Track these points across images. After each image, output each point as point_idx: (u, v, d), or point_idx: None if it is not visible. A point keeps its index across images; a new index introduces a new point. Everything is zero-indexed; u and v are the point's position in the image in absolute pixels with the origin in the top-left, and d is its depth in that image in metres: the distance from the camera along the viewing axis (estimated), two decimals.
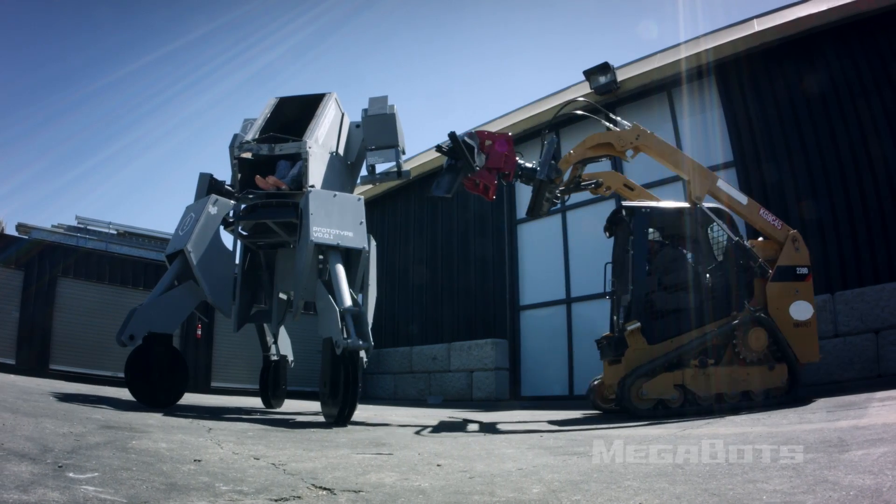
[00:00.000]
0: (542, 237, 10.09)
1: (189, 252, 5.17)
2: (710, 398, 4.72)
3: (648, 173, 7.58)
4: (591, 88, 9.07)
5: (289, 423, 4.50)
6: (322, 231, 4.81)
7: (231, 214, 5.68)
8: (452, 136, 4.97)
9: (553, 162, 5.24)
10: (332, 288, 4.63)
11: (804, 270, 5.15)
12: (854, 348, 6.31)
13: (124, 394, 5.18)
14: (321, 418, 4.80)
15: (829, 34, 7.32)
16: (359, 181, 6.56)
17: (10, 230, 13.46)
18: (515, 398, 9.53)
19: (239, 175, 5.69)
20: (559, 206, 5.65)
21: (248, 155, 5.68)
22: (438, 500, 1.71)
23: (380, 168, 6.41)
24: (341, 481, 1.95)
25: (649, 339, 4.98)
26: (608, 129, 5.80)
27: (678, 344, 4.87)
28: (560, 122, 5.90)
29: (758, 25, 7.86)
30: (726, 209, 5.43)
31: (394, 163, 6.21)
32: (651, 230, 5.51)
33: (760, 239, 5.46)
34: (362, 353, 4.81)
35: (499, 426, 4.59)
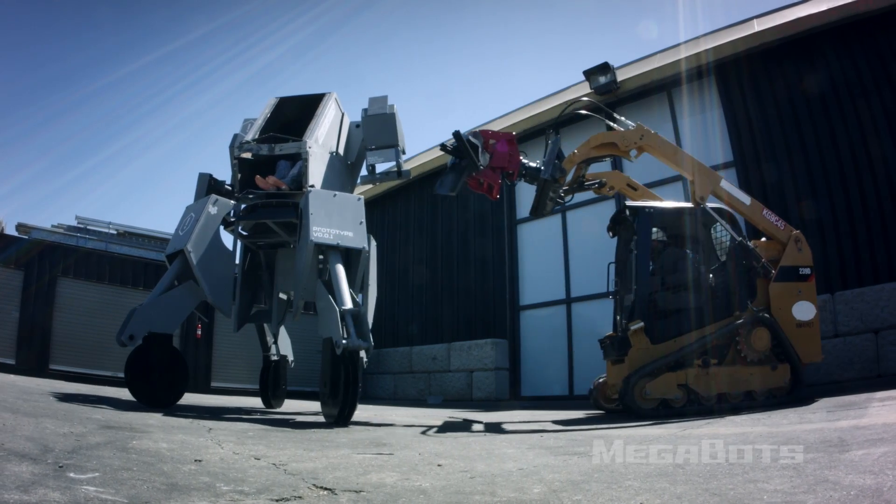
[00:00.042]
0: (542, 237, 10.10)
1: (189, 252, 5.17)
2: (713, 398, 4.73)
3: (648, 173, 7.58)
4: (591, 88, 9.07)
5: (289, 423, 4.50)
6: (322, 231, 4.81)
7: (231, 214, 5.68)
8: (457, 134, 4.99)
9: (557, 161, 5.25)
10: (332, 288, 4.63)
11: (807, 271, 5.16)
12: (854, 348, 6.32)
13: (124, 394, 5.18)
14: (321, 418, 4.80)
15: (829, 34, 7.33)
16: (359, 181, 6.56)
17: (10, 230, 13.47)
18: (515, 398, 9.53)
19: (239, 175, 5.68)
20: (562, 205, 5.66)
21: (248, 155, 5.68)
22: (440, 500, 1.71)
23: (380, 168, 6.41)
24: (342, 481, 1.95)
25: (653, 338, 4.98)
26: (610, 128, 5.80)
27: (681, 344, 4.88)
28: (562, 121, 5.90)
29: (758, 25, 7.86)
30: (730, 209, 5.44)
31: (394, 162, 6.20)
32: (655, 230, 5.52)
33: (763, 239, 5.47)
34: (362, 353, 4.81)
35: (499, 426, 4.59)
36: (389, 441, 3.30)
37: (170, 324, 5.20)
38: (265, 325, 6.70)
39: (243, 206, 5.72)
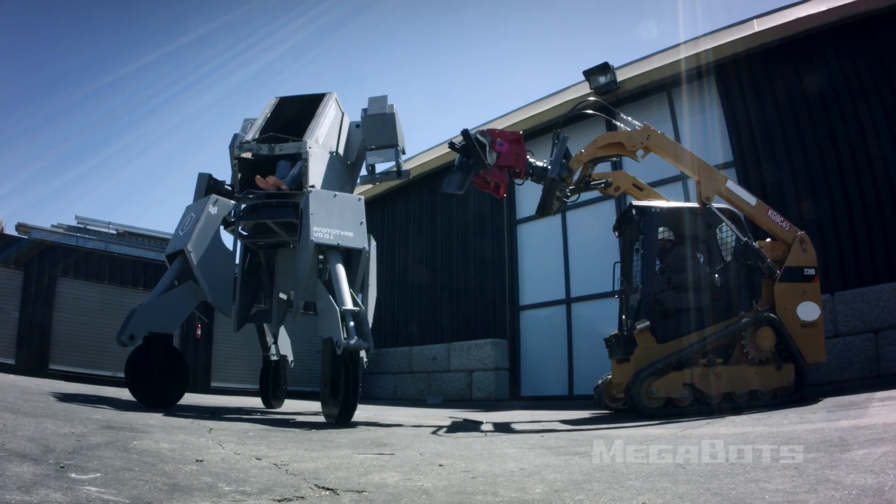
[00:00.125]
0: (542, 237, 10.10)
1: (189, 252, 5.17)
2: (718, 397, 4.75)
3: (648, 173, 7.58)
4: (591, 88, 9.07)
5: (289, 424, 4.50)
6: (322, 231, 4.81)
7: (231, 214, 5.68)
8: (465, 133, 5.01)
9: (564, 161, 5.27)
10: (332, 288, 4.63)
11: (811, 271, 5.19)
12: (854, 348, 6.32)
13: (124, 394, 5.18)
14: (321, 418, 4.80)
15: (829, 34, 7.33)
16: (359, 181, 6.56)
17: (10, 230, 13.46)
18: (515, 398, 9.53)
19: (239, 175, 5.68)
20: (568, 204, 5.68)
21: (248, 155, 5.68)
22: (441, 500, 1.71)
23: (380, 168, 6.41)
24: (344, 481, 1.95)
25: (658, 338, 5.00)
26: (612, 128, 5.82)
27: (687, 343, 4.89)
28: (566, 121, 5.91)
29: (757, 26, 7.87)
30: (735, 210, 5.45)
31: (393, 162, 6.20)
32: (662, 229, 5.54)
33: (768, 240, 5.48)
34: (362, 353, 4.81)
35: (500, 426, 4.59)
36: (390, 441, 3.30)
37: (170, 324, 5.20)
38: (265, 325, 6.69)
39: (243, 206, 5.72)
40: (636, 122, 5.72)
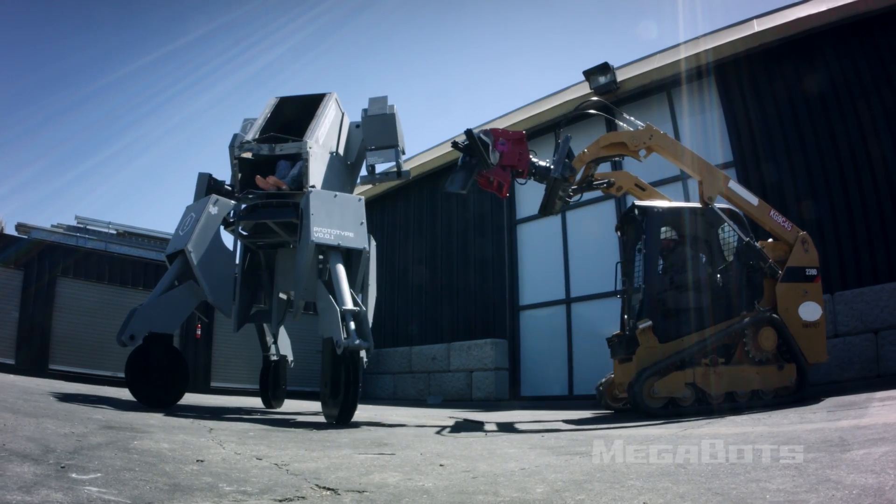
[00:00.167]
0: (542, 237, 10.10)
1: (189, 252, 5.17)
2: (720, 397, 4.76)
3: (649, 173, 7.59)
4: (590, 89, 9.08)
5: (290, 424, 4.50)
6: (323, 231, 4.81)
7: (231, 214, 5.68)
8: (469, 133, 5.03)
9: (567, 161, 5.28)
10: (332, 288, 4.63)
11: (813, 272, 5.20)
12: (854, 348, 6.33)
13: (124, 394, 5.18)
14: (322, 418, 4.80)
15: (829, 35, 7.33)
16: (359, 181, 6.56)
17: (10, 230, 13.45)
18: (515, 398, 9.54)
19: (239, 175, 5.68)
20: (570, 204, 5.70)
21: (248, 155, 5.68)
22: (442, 500, 1.71)
23: (379, 168, 6.41)
24: (345, 481, 1.95)
25: (661, 337, 5.01)
26: (612, 128, 5.83)
27: (689, 343, 4.90)
28: (567, 120, 5.93)
29: (757, 26, 7.87)
30: (737, 210, 5.45)
31: (393, 163, 6.21)
32: (666, 228, 5.55)
33: (770, 240, 5.49)
34: (362, 353, 4.81)
35: (501, 426, 4.59)
36: (391, 441, 3.30)
37: (170, 324, 5.20)
38: (265, 325, 6.69)
39: (243, 206, 5.72)
40: (639, 122, 5.73)
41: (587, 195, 6.95)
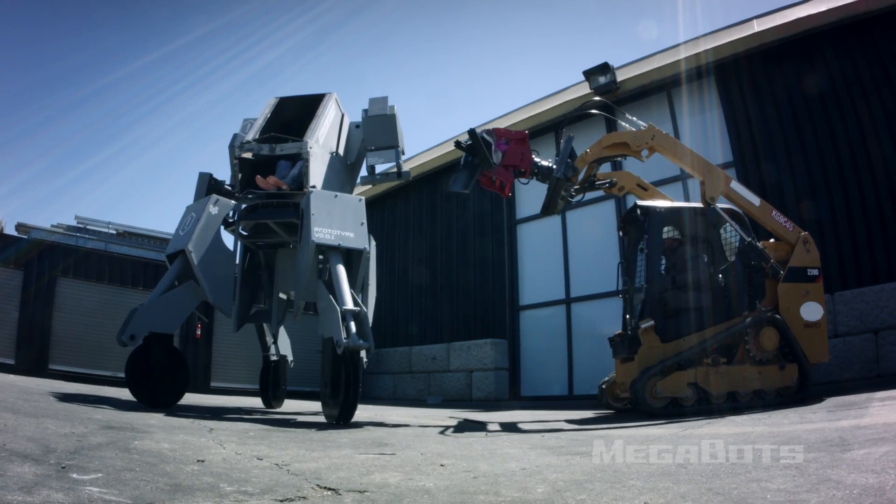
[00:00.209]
0: (542, 237, 10.10)
1: (190, 252, 5.17)
2: (722, 397, 4.76)
3: (649, 173, 7.59)
4: (590, 89, 9.07)
5: (290, 424, 4.50)
6: (323, 231, 4.81)
7: (231, 214, 5.68)
8: (472, 132, 5.04)
9: (570, 161, 5.29)
10: (332, 288, 4.63)
11: (815, 272, 5.21)
12: (853, 348, 6.33)
13: (124, 394, 5.18)
14: (322, 418, 4.80)
15: (829, 35, 7.34)
16: (358, 181, 6.56)
17: (10, 230, 13.44)
18: (515, 398, 9.54)
19: (239, 175, 5.68)
20: (572, 204, 5.72)
21: (248, 155, 5.68)
22: (444, 500, 1.71)
23: (379, 168, 6.42)
24: (346, 481, 1.95)
25: (662, 337, 5.02)
26: (612, 128, 5.84)
27: (691, 343, 4.91)
28: (568, 120, 5.94)
29: (757, 26, 7.87)
30: (739, 210, 5.47)
31: (393, 163, 6.21)
32: (668, 228, 5.56)
33: (772, 240, 5.50)
34: (362, 353, 4.81)
35: (502, 426, 4.59)
36: (391, 441, 3.30)
37: (170, 324, 5.20)
38: (265, 325, 6.69)
39: (244, 206, 5.72)
40: (641, 123, 5.74)
41: (588, 195, 6.96)
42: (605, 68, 8.94)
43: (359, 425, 4.35)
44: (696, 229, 5.43)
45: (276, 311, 6.14)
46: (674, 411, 4.67)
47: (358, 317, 4.40)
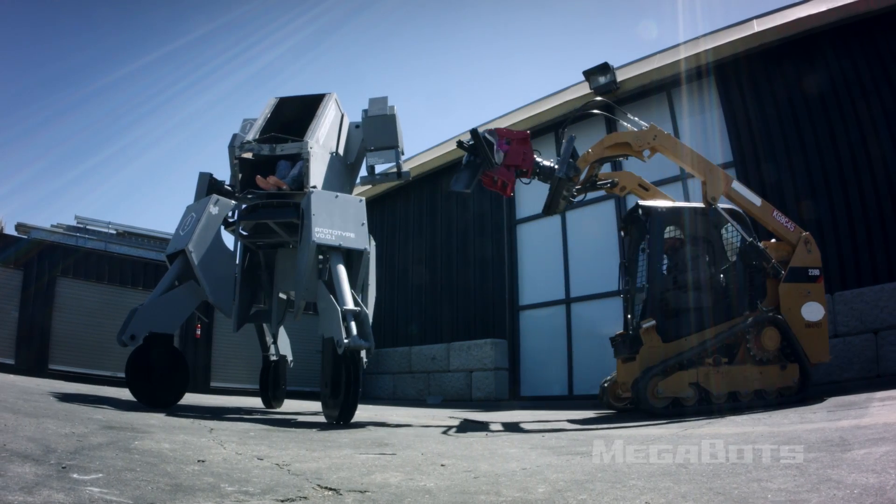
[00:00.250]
0: (542, 237, 10.10)
1: (190, 252, 5.17)
2: (723, 397, 4.77)
3: (649, 173, 7.59)
4: (590, 89, 9.07)
5: (290, 424, 4.50)
6: (324, 232, 4.82)
7: (232, 214, 5.68)
8: (474, 132, 5.05)
9: (572, 161, 5.30)
10: (333, 288, 4.63)
11: (816, 272, 5.22)
12: (853, 348, 6.33)
13: (124, 394, 5.18)
14: (322, 418, 4.80)
15: (829, 35, 7.34)
16: (358, 181, 6.56)
17: (10, 230, 13.44)
18: (515, 398, 9.54)
19: (240, 175, 5.68)
20: (574, 203, 5.73)
21: (248, 155, 5.68)
22: (445, 500, 1.71)
23: (379, 168, 6.42)
24: (346, 481, 1.95)
25: (664, 337, 5.02)
26: (612, 129, 5.84)
27: (692, 343, 4.92)
28: (568, 120, 5.95)
29: (757, 26, 7.87)
30: (741, 210, 5.47)
31: (393, 163, 6.21)
32: (670, 228, 5.57)
33: (773, 240, 5.50)
34: (362, 354, 4.81)
35: (502, 426, 4.59)
36: (391, 441, 3.30)
37: (171, 324, 5.20)
38: (264, 325, 6.69)
39: (244, 206, 5.72)
40: (643, 123, 5.75)
41: (588, 195, 6.97)
42: (605, 68, 8.94)
43: (359, 425, 4.35)
44: (697, 229, 5.43)
45: (276, 311, 6.14)
46: (675, 411, 4.67)
47: (358, 317, 4.40)
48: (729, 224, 5.39)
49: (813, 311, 5.08)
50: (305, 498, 1.69)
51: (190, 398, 6.27)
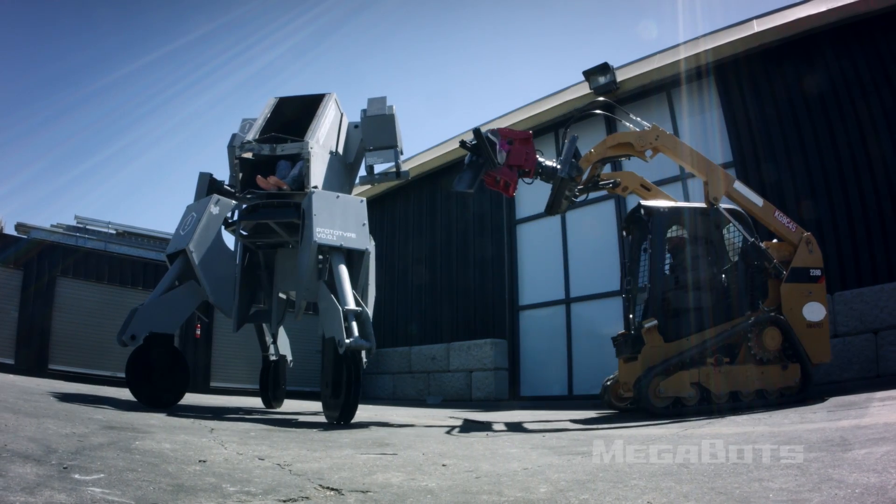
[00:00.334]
0: (542, 237, 10.10)
1: (191, 252, 5.17)
2: (725, 396, 4.77)
3: (649, 173, 7.59)
4: (590, 89, 9.07)
5: (291, 424, 4.50)
6: (325, 232, 4.82)
7: (232, 214, 5.68)
8: (477, 132, 5.06)
9: (574, 161, 5.30)
10: (334, 288, 4.63)
11: (817, 272, 5.23)
12: (853, 348, 6.33)
13: (124, 394, 5.17)
14: (322, 418, 4.80)
15: (829, 35, 7.34)
16: (357, 181, 6.56)
17: (10, 230, 13.42)
18: (515, 398, 9.54)
19: (240, 175, 5.68)
20: (576, 204, 5.74)
21: (248, 155, 5.68)
22: (447, 500, 1.71)
23: (378, 168, 6.42)
24: (348, 482, 1.95)
25: (666, 337, 5.03)
26: (612, 130, 5.85)
27: (695, 342, 4.92)
28: (568, 121, 5.96)
29: (757, 26, 7.87)
30: (742, 210, 5.48)
31: (392, 163, 6.21)
32: (672, 228, 5.58)
33: (774, 241, 5.51)
34: (363, 354, 4.81)
35: (503, 426, 4.59)
36: (392, 441, 3.30)
37: (171, 324, 5.20)
38: (264, 325, 6.69)
39: (244, 206, 5.71)
40: (645, 123, 5.75)
41: (589, 195, 6.97)
42: (605, 68, 8.94)
43: (360, 425, 4.35)
44: (699, 229, 5.44)
45: (276, 311, 6.14)
46: (676, 411, 4.67)
47: (360, 317, 4.40)
48: (731, 224, 5.39)
49: (814, 312, 5.09)
50: (307, 498, 1.69)
51: (190, 398, 6.26)
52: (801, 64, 7.60)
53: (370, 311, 5.59)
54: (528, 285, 10.15)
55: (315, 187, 5.36)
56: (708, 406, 4.73)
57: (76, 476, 1.70)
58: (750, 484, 1.79)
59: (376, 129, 6.05)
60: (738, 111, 8.10)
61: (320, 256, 4.96)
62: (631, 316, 5.80)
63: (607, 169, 7.00)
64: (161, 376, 4.86)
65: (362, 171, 6.51)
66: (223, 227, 5.63)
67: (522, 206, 10.29)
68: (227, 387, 10.00)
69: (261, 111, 6.04)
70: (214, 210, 5.45)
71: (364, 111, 6.13)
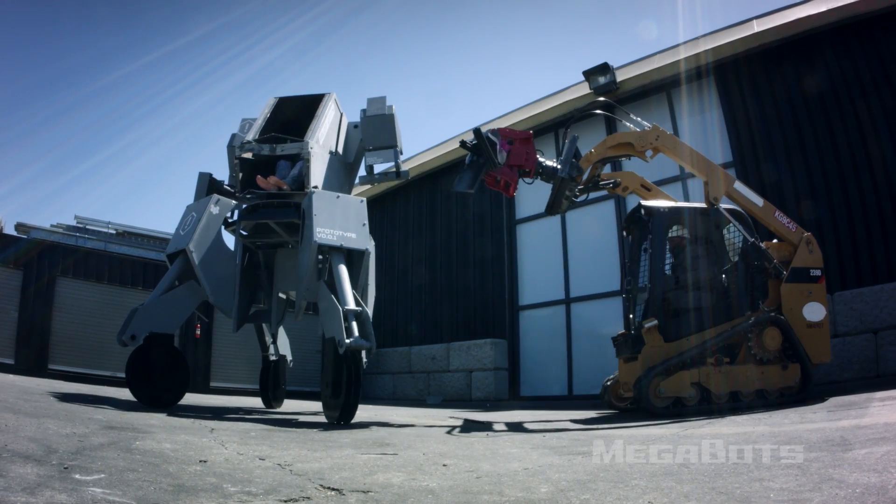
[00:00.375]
0: (542, 237, 10.10)
1: (191, 252, 5.17)
2: (725, 396, 4.77)
3: (649, 173, 7.59)
4: (590, 89, 9.07)
5: (291, 424, 4.50)
6: (325, 232, 4.82)
7: (232, 214, 5.68)
8: (477, 132, 5.06)
9: (574, 161, 5.31)
10: (334, 288, 4.63)
11: (817, 272, 5.24)
12: (853, 348, 6.33)
13: (124, 394, 5.17)
14: (322, 418, 4.80)
15: (829, 35, 7.34)
16: (357, 181, 6.56)
17: (10, 230, 13.42)
18: (514, 398, 9.54)
19: (240, 175, 5.68)
20: (577, 203, 5.74)
21: (248, 155, 5.68)
22: (448, 500, 1.71)
23: (378, 168, 6.42)
24: (349, 482, 1.95)
25: (666, 337, 5.03)
26: (612, 130, 5.85)
27: (695, 342, 4.92)
28: (568, 121, 5.96)
29: (757, 26, 7.87)
30: (742, 210, 5.48)
31: (392, 163, 6.21)
32: (675, 227, 5.58)
33: (775, 241, 5.51)
34: (363, 354, 4.81)
35: (503, 426, 4.59)
36: (393, 441, 3.30)
37: (171, 324, 5.20)
38: (264, 325, 6.69)
39: (244, 206, 5.72)
40: (645, 123, 5.75)
41: (588, 195, 6.97)
42: (604, 68, 8.94)
43: (360, 425, 4.35)
44: (699, 230, 5.44)
45: (276, 311, 6.14)
46: (676, 411, 4.68)
47: (360, 317, 4.40)
48: (731, 224, 5.40)
49: (814, 312, 5.10)
50: (308, 498, 1.69)
51: (190, 398, 6.26)
52: (801, 64, 7.60)
53: (370, 311, 5.59)
54: (528, 285, 10.15)
55: (315, 187, 5.36)
56: (708, 406, 4.73)
57: (77, 476, 1.70)
58: (750, 484, 1.79)
59: (376, 129, 6.05)
60: (738, 111, 8.10)
61: (320, 256, 4.97)
62: (631, 316, 5.80)
63: (607, 169, 7.00)
64: (161, 376, 4.86)
65: (362, 171, 6.51)
66: (223, 227, 5.63)
67: (522, 206, 10.29)
68: (227, 387, 10.00)
69: (261, 111, 6.04)
70: (214, 210, 5.45)
71: (364, 111, 6.14)
